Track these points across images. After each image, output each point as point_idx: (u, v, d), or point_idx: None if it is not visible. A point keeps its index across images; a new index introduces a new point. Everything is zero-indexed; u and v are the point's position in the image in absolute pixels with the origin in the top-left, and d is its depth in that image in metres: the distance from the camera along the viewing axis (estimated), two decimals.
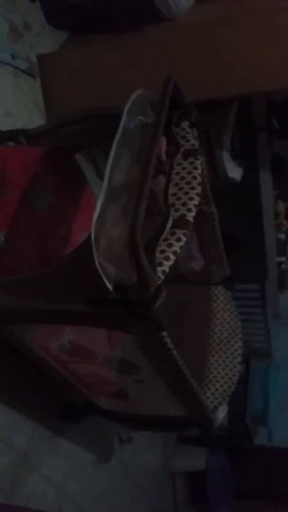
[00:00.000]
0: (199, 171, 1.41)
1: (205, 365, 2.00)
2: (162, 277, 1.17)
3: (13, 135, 1.88)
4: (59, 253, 1.87)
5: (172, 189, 1.37)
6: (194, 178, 1.39)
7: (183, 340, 1.70)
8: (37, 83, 2.18)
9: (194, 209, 1.32)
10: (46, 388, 2.07)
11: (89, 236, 1.18)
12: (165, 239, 1.25)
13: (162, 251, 1.22)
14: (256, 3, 2.02)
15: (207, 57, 1.91)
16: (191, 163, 1.42)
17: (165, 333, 1.21)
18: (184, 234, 1.26)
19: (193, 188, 1.36)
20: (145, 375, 1.69)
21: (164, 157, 1.39)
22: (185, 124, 1.50)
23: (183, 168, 1.42)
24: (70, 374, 1.87)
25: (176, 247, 1.23)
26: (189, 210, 1.31)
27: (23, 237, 1.71)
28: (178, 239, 1.25)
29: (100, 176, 2.31)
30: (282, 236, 3.30)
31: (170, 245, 1.23)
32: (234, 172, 2.50)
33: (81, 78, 2.15)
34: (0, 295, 1.46)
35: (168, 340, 1.23)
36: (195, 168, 1.41)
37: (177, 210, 1.32)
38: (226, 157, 2.40)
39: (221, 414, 1.99)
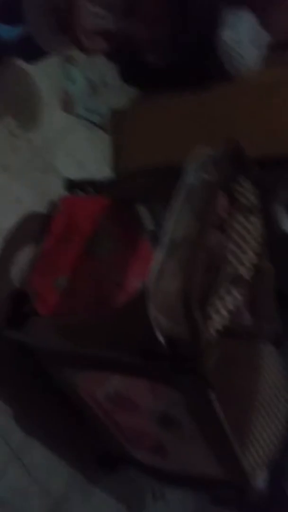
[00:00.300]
0: (257, 229, 1.42)
1: (248, 426, 1.93)
2: (214, 334, 1.17)
3: (82, 185, 2.00)
4: (114, 299, 1.92)
5: (229, 245, 1.38)
6: (252, 236, 1.40)
7: (227, 398, 1.65)
8: (108, 137, 2.31)
9: (250, 267, 1.33)
10: (85, 433, 2.06)
11: (145, 287, 1.21)
12: (220, 295, 1.26)
13: (216, 308, 1.22)
14: None
15: (270, 117, 1.95)
16: (249, 221, 1.44)
17: (212, 391, 1.19)
18: (239, 291, 1.26)
19: (250, 246, 1.37)
20: (186, 432, 1.65)
21: (223, 213, 1.41)
22: (245, 182, 1.53)
23: (241, 225, 1.43)
24: (111, 423, 1.86)
25: (230, 304, 1.24)
26: (246, 267, 1.32)
27: (82, 282, 1.78)
28: (233, 297, 1.25)
29: (158, 227, 2.38)
30: None
31: (224, 302, 1.24)
32: None
33: (149, 134, 2.25)
34: (55, 337, 1.51)
35: (214, 399, 1.21)
36: (254, 226, 1.43)
37: (233, 266, 1.33)
38: (282, 211, 2.38)
39: (261, 478, 1.89)
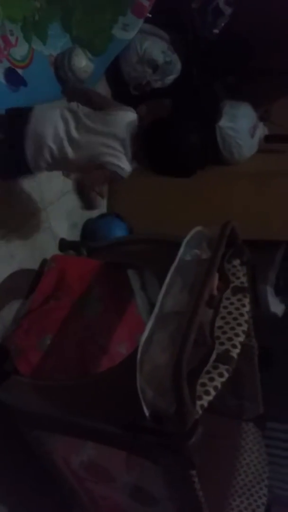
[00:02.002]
0: (246, 308, 1.46)
1: (226, 509, 1.86)
2: (200, 412, 1.16)
3: (75, 246, 2.05)
4: (96, 361, 1.91)
5: (219, 322, 1.41)
6: (242, 315, 1.44)
7: (207, 476, 1.61)
8: (104, 202, 2.39)
9: (239, 346, 1.35)
10: (54, 501, 1.97)
11: (133, 356, 1.21)
12: (208, 372, 1.27)
13: (203, 384, 1.22)
14: None
15: (263, 203, 2.08)
16: (239, 300, 1.48)
17: (194, 472, 1.17)
18: (227, 370, 1.27)
19: (239, 324, 1.41)
20: (161, 509, 1.60)
21: (215, 291, 1.46)
22: (237, 262, 1.59)
23: (231, 304, 1.47)
24: (84, 492, 1.79)
25: (218, 382, 1.24)
26: (234, 346, 1.34)
27: (67, 343, 1.77)
28: (221, 374, 1.26)
29: (145, 291, 2.41)
30: None
31: (211, 379, 1.24)
32: (277, 307, 2.54)
33: (145, 205, 2.36)
34: (34, 399, 1.48)
35: (196, 479, 1.19)
36: (243, 305, 1.47)
37: (222, 343, 1.35)
38: (269, 292, 2.46)
39: None
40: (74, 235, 2.22)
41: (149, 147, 1.84)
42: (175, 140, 2.20)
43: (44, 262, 2.01)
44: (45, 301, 1.86)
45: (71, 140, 1.55)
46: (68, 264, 1.92)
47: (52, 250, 2.09)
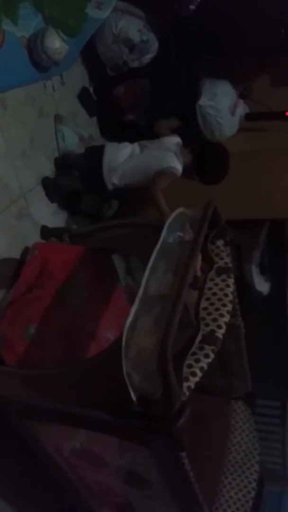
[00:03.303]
0: (231, 288, 1.46)
1: (218, 487, 1.89)
2: (187, 393, 1.16)
3: (57, 233, 2.01)
4: (85, 349, 1.89)
5: (203, 303, 1.41)
6: (226, 295, 1.43)
7: (198, 456, 1.62)
8: None
9: (224, 326, 1.34)
10: (49, 488, 1.97)
11: (118, 341, 1.20)
12: (193, 353, 1.26)
13: (189, 366, 1.22)
14: None
15: (245, 183, 2.06)
16: (223, 280, 1.48)
17: (184, 454, 1.18)
18: (212, 350, 1.27)
19: (224, 305, 1.40)
20: (155, 492, 1.61)
21: (198, 272, 1.45)
22: (220, 243, 1.58)
23: (216, 284, 1.47)
24: (77, 479, 1.79)
25: (204, 363, 1.24)
26: (219, 326, 1.34)
27: (52, 331, 1.75)
28: (206, 355, 1.26)
29: (130, 275, 2.40)
30: None
31: (197, 360, 1.24)
32: (262, 286, 2.55)
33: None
34: (22, 389, 1.46)
35: (186, 461, 1.19)
36: (227, 285, 1.46)
37: (207, 325, 1.35)
38: (254, 271, 2.47)
39: None
40: (55, 222, 2.18)
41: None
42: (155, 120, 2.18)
43: (26, 251, 1.97)
44: (28, 290, 1.83)
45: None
46: (50, 252, 1.89)
47: (33, 238, 2.06)
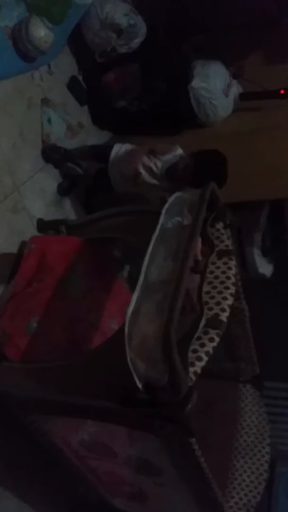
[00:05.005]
0: (233, 271, 1.43)
1: (230, 470, 1.88)
2: (194, 378, 1.14)
3: (54, 225, 1.99)
4: (88, 339, 1.88)
5: (206, 287, 1.38)
6: (228, 278, 1.41)
7: (209, 442, 1.61)
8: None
9: (227, 309, 1.32)
10: (60, 481, 1.97)
11: (121, 330, 1.18)
12: (198, 338, 1.24)
13: (195, 351, 1.20)
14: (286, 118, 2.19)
15: (244, 163, 2.03)
16: (225, 263, 1.45)
17: (193, 439, 1.16)
18: (217, 334, 1.25)
19: (227, 287, 1.38)
20: (166, 479, 1.60)
21: (199, 256, 1.42)
22: (220, 225, 1.55)
23: (217, 268, 1.44)
24: (87, 470, 1.79)
25: (209, 347, 1.22)
26: (223, 310, 1.32)
27: (54, 323, 1.73)
28: (211, 339, 1.24)
29: (131, 266, 2.38)
30: None
31: (202, 345, 1.22)
32: (265, 268, 2.53)
33: None
34: (27, 383, 1.45)
35: (196, 446, 1.18)
36: (229, 268, 1.44)
37: (210, 309, 1.33)
38: (256, 254, 2.44)
39: None
40: (51, 214, 2.16)
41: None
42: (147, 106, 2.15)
43: (23, 245, 1.95)
44: (28, 284, 1.81)
45: None
46: (47, 244, 1.87)
47: (30, 231, 2.03)
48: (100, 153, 2.21)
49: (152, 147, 2.02)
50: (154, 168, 1.99)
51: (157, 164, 1.99)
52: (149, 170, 1.99)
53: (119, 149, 2.12)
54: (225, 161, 1.87)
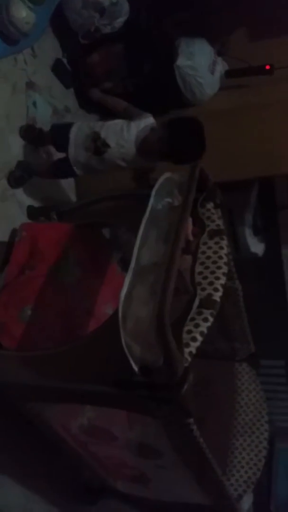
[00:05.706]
0: (225, 250, 1.42)
1: (230, 449, 1.90)
2: (189, 359, 1.14)
3: (45, 211, 1.97)
4: (83, 325, 1.88)
5: (198, 268, 1.38)
6: (220, 257, 1.40)
7: (207, 422, 1.63)
8: None
9: (220, 289, 1.32)
10: (62, 467, 1.98)
11: (115, 314, 1.17)
12: (192, 319, 1.24)
13: (189, 331, 1.20)
14: (275, 94, 2.16)
15: (232, 141, 2.01)
16: (216, 243, 1.44)
17: (191, 420, 1.16)
18: (211, 314, 1.25)
19: (219, 267, 1.37)
20: (167, 461, 1.61)
21: (190, 237, 1.41)
22: (210, 205, 1.54)
23: (209, 248, 1.43)
24: (88, 455, 1.80)
25: (203, 327, 1.22)
26: (216, 289, 1.31)
27: (49, 311, 1.72)
28: (205, 319, 1.23)
29: (124, 250, 2.36)
30: None
31: (197, 325, 1.22)
32: (256, 247, 2.53)
33: None
34: (23, 371, 1.44)
35: (194, 427, 1.18)
36: (221, 247, 1.43)
37: (203, 289, 1.32)
38: (248, 233, 2.44)
39: (246, 503, 1.86)
40: (40, 200, 2.13)
41: None
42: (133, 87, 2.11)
43: (13, 232, 1.92)
44: (20, 272, 1.79)
45: None
46: (39, 231, 1.85)
47: (20, 218, 2.00)
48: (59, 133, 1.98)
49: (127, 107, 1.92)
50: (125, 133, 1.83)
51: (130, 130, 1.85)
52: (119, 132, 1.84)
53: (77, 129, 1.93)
54: (201, 129, 1.77)
